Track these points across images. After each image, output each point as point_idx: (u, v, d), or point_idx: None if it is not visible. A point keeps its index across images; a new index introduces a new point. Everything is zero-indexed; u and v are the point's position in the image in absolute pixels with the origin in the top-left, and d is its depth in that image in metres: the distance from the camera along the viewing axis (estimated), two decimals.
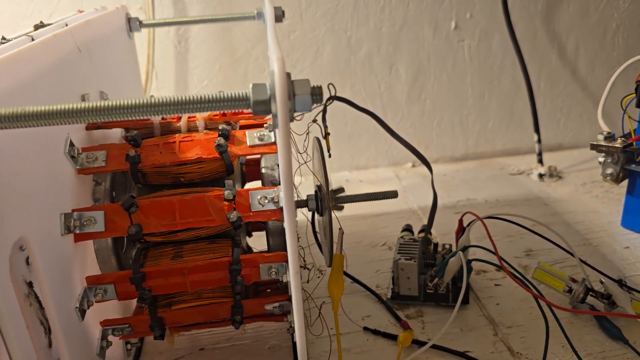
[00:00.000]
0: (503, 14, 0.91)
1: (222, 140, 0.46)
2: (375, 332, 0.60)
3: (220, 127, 0.47)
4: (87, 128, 0.50)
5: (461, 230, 0.65)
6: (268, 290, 0.55)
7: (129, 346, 0.55)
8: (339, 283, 0.46)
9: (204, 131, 0.50)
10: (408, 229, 0.73)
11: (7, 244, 0.34)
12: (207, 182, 0.49)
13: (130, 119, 0.31)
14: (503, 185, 0.93)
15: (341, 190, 0.55)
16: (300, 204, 0.56)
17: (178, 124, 0.50)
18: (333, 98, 0.64)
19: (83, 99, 0.50)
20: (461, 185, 0.94)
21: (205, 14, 0.89)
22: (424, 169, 1.02)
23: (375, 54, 0.96)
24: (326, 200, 0.50)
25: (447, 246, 0.70)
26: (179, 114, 0.30)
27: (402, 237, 0.68)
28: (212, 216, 0.45)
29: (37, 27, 0.53)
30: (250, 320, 0.51)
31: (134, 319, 0.48)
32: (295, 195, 0.63)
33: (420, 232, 0.72)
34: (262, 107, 0.30)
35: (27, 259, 0.38)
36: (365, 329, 0.61)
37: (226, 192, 0.45)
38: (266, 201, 0.45)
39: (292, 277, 0.33)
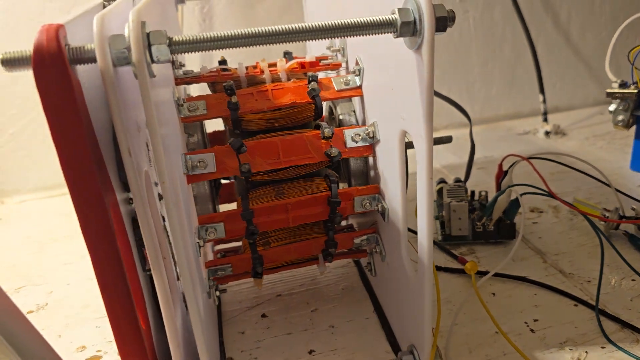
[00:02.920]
0: None
1: (315, 85, 0.50)
2: (438, 269, 0.65)
3: (309, 74, 0.51)
4: (177, 83, 0.53)
5: (502, 174, 0.71)
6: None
7: (217, 293, 0.58)
8: None
9: (293, 80, 0.53)
10: (443, 181, 0.79)
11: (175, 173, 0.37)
12: (297, 127, 0.52)
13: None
14: (514, 144, 1.00)
15: None
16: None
17: (262, 76, 0.54)
18: None
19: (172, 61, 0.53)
20: (476, 146, 1.00)
21: None
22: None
23: None
24: None
25: (483, 193, 0.76)
26: (331, 37, 0.34)
27: (448, 183, 0.74)
28: (311, 154, 0.49)
29: None
30: (338, 257, 0.55)
31: (236, 257, 0.52)
32: None
33: (456, 181, 0.77)
34: (407, 28, 0.35)
35: (159, 196, 0.41)
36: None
37: (326, 130, 0.49)
38: (360, 138, 0.50)
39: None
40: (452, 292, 0.60)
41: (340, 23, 0.35)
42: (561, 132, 1.01)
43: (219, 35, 0.34)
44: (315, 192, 0.50)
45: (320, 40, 0.36)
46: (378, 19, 0.35)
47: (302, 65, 0.55)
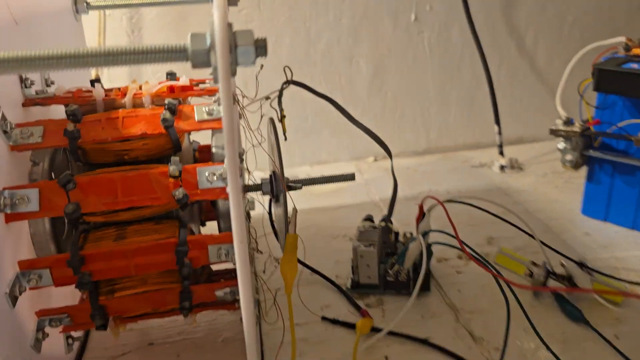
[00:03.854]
0: (462, 5, 0.91)
1: (167, 114, 0.43)
2: (334, 322, 0.58)
3: (166, 101, 0.44)
4: (24, 105, 0.47)
5: (421, 215, 0.64)
6: (222, 280, 0.52)
7: (70, 340, 0.51)
8: (292, 263, 0.44)
9: (150, 106, 0.47)
10: (369, 218, 0.72)
11: None
12: (153, 161, 0.46)
13: (61, 67, 0.28)
14: (465, 178, 0.92)
15: (299, 183, 0.53)
16: (253, 188, 0.53)
17: (123, 100, 0.48)
18: (290, 82, 0.62)
19: (21, 77, 0.47)
20: (423, 177, 0.93)
21: None
22: (386, 162, 1.01)
23: (335, 45, 0.95)
24: (280, 181, 0.48)
25: (408, 235, 0.69)
26: (109, 64, 0.27)
27: (363, 224, 0.67)
28: (156, 194, 0.42)
29: None
30: (200, 308, 0.48)
31: (73, 307, 0.45)
32: (248, 179, 0.61)
33: (381, 221, 0.70)
34: (202, 58, 0.28)
35: None
36: (324, 318, 0.58)
37: (171, 168, 0.42)
38: (214, 178, 0.43)
39: (236, 247, 0.31)
40: (343, 353, 0.53)
41: (127, 49, 0.28)
42: (518, 167, 0.94)
43: None
44: (161, 238, 0.43)
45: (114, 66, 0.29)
46: (169, 46, 0.28)
47: (172, 89, 0.48)
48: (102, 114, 0.45)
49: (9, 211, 0.40)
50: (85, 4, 0.66)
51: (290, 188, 0.51)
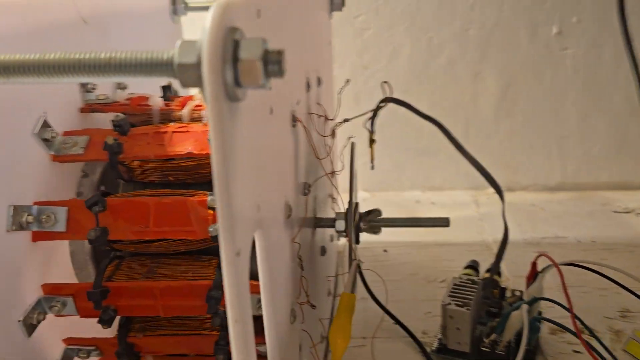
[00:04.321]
0: (618, 19, 0.75)
1: None
2: None
3: None
4: (82, 110, 0.43)
5: (533, 275, 0.52)
6: None
7: None
8: (344, 331, 0.35)
9: (207, 121, 0.41)
10: (473, 266, 0.60)
11: None
12: (202, 186, 0.40)
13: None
14: (603, 225, 0.76)
15: (376, 213, 0.44)
16: (326, 222, 0.46)
17: (180, 112, 0.42)
18: (387, 100, 0.53)
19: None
20: (551, 219, 0.79)
21: None
22: (510, 195, 0.87)
23: (459, 59, 0.83)
24: (354, 217, 0.40)
25: (517, 293, 0.56)
26: (80, 79, 0.21)
27: (461, 275, 0.56)
28: (192, 227, 0.36)
29: None
30: None
31: (103, 340, 0.40)
32: (332, 210, 0.53)
33: (487, 271, 0.58)
34: (191, 74, 0.20)
35: None
36: None
37: (210, 198, 0.35)
38: None
39: (230, 326, 0.23)
40: None
41: (89, 57, 0.22)
42: None
43: None
44: (194, 279, 0.37)
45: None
46: (151, 56, 0.21)
47: None
48: (151, 127, 0.40)
49: (35, 228, 0.36)
50: (184, 4, 0.63)
51: (364, 230, 0.43)
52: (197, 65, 0.20)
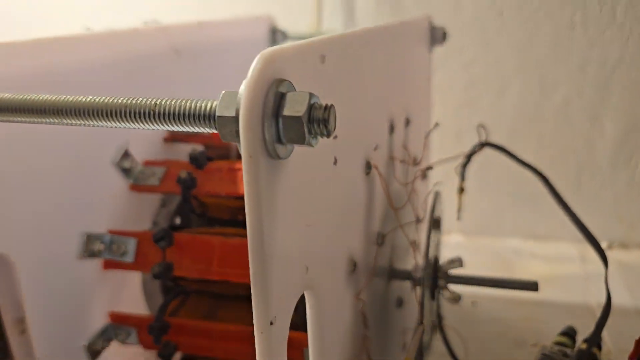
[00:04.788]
0: None
1: None
2: None
3: None
4: (166, 140, 0.44)
5: (637, 356, 0.45)
6: None
7: None
8: None
9: None
10: (569, 333, 0.53)
11: None
12: None
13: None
14: None
15: (457, 263, 0.40)
16: (401, 274, 0.43)
17: None
18: (483, 145, 0.50)
19: None
20: None
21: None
22: (625, 254, 0.78)
23: (575, 99, 0.76)
24: (426, 275, 0.37)
25: None
26: (101, 124, 0.21)
27: (552, 345, 0.49)
28: None
29: (146, 23, 0.50)
30: None
31: None
32: (414, 259, 0.50)
33: (584, 341, 0.52)
34: (229, 128, 0.19)
35: (12, 286, 0.32)
36: None
37: None
38: None
39: None
40: None
41: (123, 102, 0.21)
42: None
43: None
44: (252, 326, 0.35)
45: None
46: (194, 106, 0.20)
47: None
48: (226, 162, 0.40)
49: (106, 257, 0.37)
50: (282, 34, 0.64)
51: (442, 289, 0.39)
52: (236, 119, 0.19)
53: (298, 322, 0.36)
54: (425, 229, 0.46)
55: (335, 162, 0.27)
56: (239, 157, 0.41)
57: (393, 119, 0.41)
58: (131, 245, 0.37)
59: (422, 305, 0.36)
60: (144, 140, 0.42)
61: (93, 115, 0.20)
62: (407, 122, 0.47)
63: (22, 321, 0.33)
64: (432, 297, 0.40)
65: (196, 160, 0.39)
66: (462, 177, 0.48)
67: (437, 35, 0.59)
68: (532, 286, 0.40)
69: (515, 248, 0.81)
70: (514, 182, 0.82)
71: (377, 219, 0.37)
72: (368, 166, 0.34)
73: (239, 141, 0.19)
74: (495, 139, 0.50)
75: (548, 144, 0.79)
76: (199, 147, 0.40)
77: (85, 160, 0.36)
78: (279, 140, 0.18)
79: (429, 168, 0.43)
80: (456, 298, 0.39)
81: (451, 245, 0.82)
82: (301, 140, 0.18)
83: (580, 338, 0.52)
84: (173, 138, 0.44)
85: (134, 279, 0.42)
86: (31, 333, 0.33)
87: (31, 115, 0.22)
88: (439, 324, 0.46)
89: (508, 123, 0.80)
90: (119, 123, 0.20)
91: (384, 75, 0.37)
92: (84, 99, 0.21)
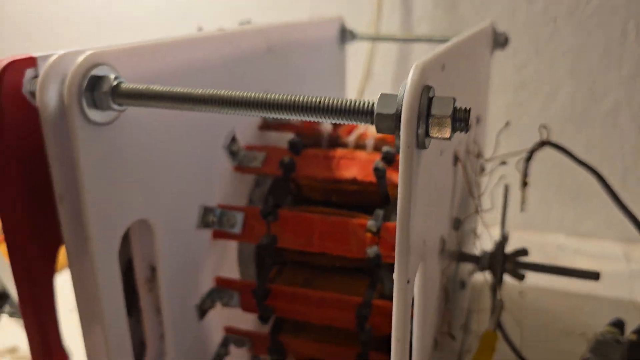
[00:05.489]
0: None
1: (380, 164, 0.40)
2: None
3: (384, 149, 0.41)
4: (261, 128, 0.49)
5: None
6: None
7: None
8: None
9: (371, 151, 0.45)
10: (617, 324, 0.57)
11: (120, 224, 0.33)
12: (360, 208, 0.43)
13: (247, 113, 0.27)
14: None
15: (522, 252, 0.44)
16: (470, 258, 0.47)
17: (347, 139, 0.46)
18: (544, 143, 0.54)
19: None
20: None
21: (432, 33, 0.83)
22: None
23: (624, 106, 0.80)
24: (499, 259, 0.41)
25: None
26: (291, 117, 0.25)
27: (604, 332, 0.53)
28: (350, 246, 0.39)
29: (242, 24, 0.55)
30: None
31: (256, 335, 0.45)
32: (476, 245, 0.54)
33: (633, 332, 0.55)
34: (387, 123, 0.24)
35: (154, 246, 0.37)
36: None
37: (369, 223, 0.39)
38: None
39: (393, 337, 0.26)
40: None
41: (308, 101, 0.26)
42: None
43: (171, 92, 0.29)
44: (350, 293, 0.40)
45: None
46: (355, 105, 0.25)
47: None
48: (322, 150, 0.44)
49: (217, 228, 0.42)
50: (351, 34, 0.68)
51: (508, 272, 0.44)
52: (394, 116, 0.23)
53: (386, 295, 0.40)
54: (480, 219, 0.50)
55: (441, 154, 0.32)
56: (328, 146, 0.46)
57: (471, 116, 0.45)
58: (239, 218, 0.42)
59: (496, 283, 0.40)
60: (244, 128, 0.47)
61: (271, 108, 0.25)
62: (478, 120, 0.51)
63: (151, 280, 0.39)
64: (500, 280, 0.45)
65: (295, 147, 0.44)
66: (525, 173, 0.52)
67: (499, 40, 0.63)
68: (594, 275, 0.44)
69: (559, 244, 0.85)
70: (561, 180, 0.85)
71: (456, 205, 0.42)
72: (455, 158, 0.39)
73: (394, 133, 0.23)
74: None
75: (595, 147, 0.82)
76: (295, 137, 0.44)
77: (205, 144, 0.41)
78: (427, 134, 0.23)
79: (503, 163, 0.47)
80: (520, 276, 0.44)
81: (498, 238, 0.86)
82: (446, 136, 0.23)
83: (628, 330, 0.56)
84: (267, 127, 0.49)
85: (232, 250, 0.47)
86: (158, 292, 0.38)
87: (191, 104, 0.28)
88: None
89: (557, 126, 0.83)
90: (292, 115, 0.25)
91: (470, 79, 0.42)
92: (263, 95, 0.26)
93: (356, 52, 0.72)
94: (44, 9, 1.09)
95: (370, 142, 0.45)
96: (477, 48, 0.50)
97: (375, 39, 0.71)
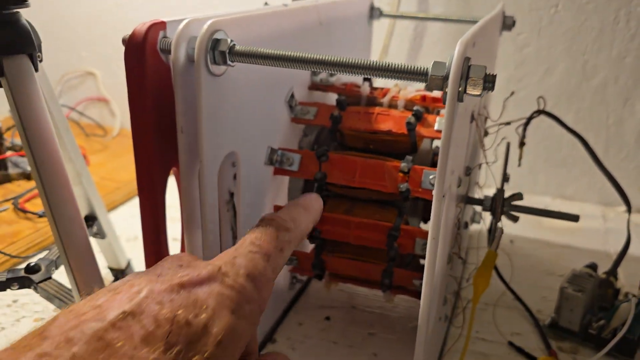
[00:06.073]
0: None
1: (412, 119, 0.51)
2: (519, 350, 0.59)
3: (415, 108, 0.52)
4: (310, 88, 0.59)
5: None
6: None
7: (294, 280, 0.63)
8: (485, 277, 0.48)
9: (402, 109, 0.55)
10: (592, 266, 0.69)
11: (221, 153, 0.43)
12: (392, 155, 0.54)
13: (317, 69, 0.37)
14: None
15: (518, 196, 0.55)
16: (476, 201, 0.58)
17: (382, 100, 0.56)
18: (540, 112, 0.64)
19: None
20: None
21: (446, 13, 0.93)
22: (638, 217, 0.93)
23: (611, 83, 0.90)
24: (499, 200, 0.52)
25: (631, 296, 0.65)
26: (362, 75, 0.36)
27: (581, 269, 0.65)
28: (385, 182, 0.50)
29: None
30: (398, 291, 0.55)
31: (302, 253, 0.56)
32: (477, 192, 0.65)
33: (604, 273, 0.67)
34: (437, 82, 0.34)
35: (235, 175, 0.47)
36: (510, 343, 0.60)
37: (403, 164, 0.49)
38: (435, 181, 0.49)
39: (428, 243, 0.37)
40: None
41: (374, 63, 0.36)
42: None
43: (274, 53, 0.39)
44: (380, 220, 0.51)
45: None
46: (413, 67, 0.35)
47: (424, 98, 0.55)
48: (363, 107, 0.55)
49: (277, 166, 0.53)
50: (379, 12, 0.78)
51: (505, 213, 0.55)
52: (444, 78, 0.34)
53: (409, 224, 0.51)
54: (487, 166, 0.61)
55: (465, 110, 0.42)
56: (367, 104, 0.56)
57: None
58: (297, 159, 0.52)
59: (497, 217, 0.51)
60: (298, 87, 0.57)
61: (347, 68, 0.36)
62: None
63: (229, 202, 0.49)
64: (499, 218, 0.56)
65: (341, 104, 0.54)
66: (524, 135, 0.63)
67: (507, 22, 0.73)
68: (574, 218, 0.55)
69: (545, 204, 0.97)
70: (548, 151, 0.97)
71: (468, 156, 0.53)
72: (472, 117, 0.49)
73: (442, 89, 0.34)
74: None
75: (583, 118, 0.93)
76: (341, 96, 0.55)
77: (274, 98, 0.51)
78: (465, 91, 0.34)
79: (507, 123, 0.58)
80: (515, 218, 0.55)
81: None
82: (478, 93, 0.33)
83: (600, 272, 0.68)
84: (316, 87, 0.59)
85: (284, 185, 0.58)
86: (236, 210, 0.49)
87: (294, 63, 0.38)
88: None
89: (550, 98, 0.94)
90: (370, 74, 0.36)
91: (488, 53, 0.52)
92: (346, 59, 0.36)
93: (376, 27, 0.81)
94: None
95: (401, 102, 0.55)
96: (492, 29, 0.60)
97: (398, 17, 0.80)
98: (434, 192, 0.36)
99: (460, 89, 0.33)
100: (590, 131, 0.93)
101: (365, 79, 0.61)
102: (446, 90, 0.34)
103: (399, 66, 0.35)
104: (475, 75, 0.33)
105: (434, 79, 0.34)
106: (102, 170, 1.01)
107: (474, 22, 0.75)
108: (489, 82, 0.34)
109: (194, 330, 0.28)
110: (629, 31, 0.87)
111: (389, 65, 0.35)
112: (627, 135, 0.92)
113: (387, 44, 0.97)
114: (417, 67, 0.35)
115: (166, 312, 0.28)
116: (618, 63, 0.89)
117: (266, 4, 0.57)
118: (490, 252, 0.49)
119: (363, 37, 0.77)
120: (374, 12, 0.77)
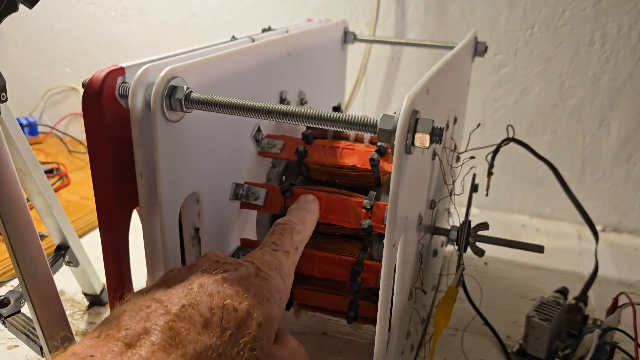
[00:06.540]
0: None
1: (375, 155, 0.51)
2: None
3: (379, 144, 0.52)
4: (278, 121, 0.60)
5: (612, 309, 0.61)
6: None
7: None
8: (446, 314, 0.48)
9: (367, 144, 0.55)
10: (562, 291, 0.70)
11: (181, 194, 0.44)
12: (357, 189, 0.54)
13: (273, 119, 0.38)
14: None
15: (484, 226, 0.56)
16: (441, 231, 0.59)
17: (348, 133, 0.57)
18: (510, 140, 0.65)
19: (281, 95, 0.60)
20: None
21: (421, 39, 0.94)
22: (615, 236, 0.94)
23: (587, 104, 0.91)
24: (463, 232, 0.53)
25: (598, 322, 0.66)
26: (317, 126, 0.36)
27: (549, 296, 0.66)
28: (349, 218, 0.51)
29: (264, 31, 0.65)
30: (364, 321, 0.56)
31: None
32: (449, 221, 0.66)
33: (574, 298, 0.68)
34: (385, 135, 0.35)
35: (199, 212, 0.48)
36: None
37: (365, 201, 0.50)
38: None
39: (381, 290, 0.38)
40: None
41: (329, 115, 0.37)
42: None
43: (228, 102, 0.39)
44: (344, 255, 0.52)
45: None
46: (362, 119, 0.36)
47: None
48: (329, 141, 0.55)
49: (243, 200, 0.53)
50: (353, 36, 0.78)
51: (471, 245, 0.55)
52: (391, 131, 0.34)
53: (373, 258, 0.52)
54: (451, 200, 0.62)
55: (422, 153, 0.43)
56: (333, 137, 0.57)
57: (449, 119, 0.56)
58: (262, 193, 0.53)
59: (460, 250, 0.52)
60: (265, 121, 0.57)
61: (300, 118, 0.36)
62: (455, 120, 0.63)
63: (195, 237, 0.50)
64: (465, 249, 0.56)
65: (307, 138, 0.55)
66: (492, 164, 0.64)
67: (480, 49, 0.74)
68: (539, 249, 0.56)
69: (522, 223, 0.97)
70: (525, 169, 0.97)
71: (432, 189, 0.53)
72: (434, 154, 0.50)
73: (390, 142, 0.34)
74: (518, 131, 0.65)
75: (559, 138, 0.94)
76: (308, 130, 0.55)
77: (237, 134, 0.52)
78: (413, 144, 0.34)
79: (472, 157, 0.58)
80: (480, 252, 0.55)
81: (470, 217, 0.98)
82: (425, 146, 0.34)
83: (570, 296, 0.69)
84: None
85: (252, 218, 0.58)
86: (200, 247, 0.49)
87: (246, 112, 0.38)
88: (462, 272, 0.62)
89: (527, 119, 0.95)
90: (318, 125, 0.36)
91: (450, 90, 0.53)
92: (300, 110, 0.37)
93: (354, 48, 0.82)
94: None
95: (367, 136, 0.56)
96: (461, 59, 0.61)
97: (373, 41, 0.81)
98: (384, 242, 0.37)
99: (407, 142, 0.34)
100: (567, 151, 0.94)
101: (335, 108, 0.61)
102: (394, 142, 0.34)
103: (350, 118, 0.36)
104: (423, 130, 0.34)
105: (382, 131, 0.35)
106: (83, 189, 1.01)
107: (448, 47, 0.76)
108: (436, 135, 0.34)
109: (240, 315, 0.34)
110: (604, 53, 0.88)
111: (339, 117, 0.36)
112: (604, 155, 0.93)
113: (364, 63, 0.97)
114: (367, 120, 0.36)
115: (217, 301, 0.33)
116: (594, 84, 0.90)
117: (234, 37, 0.57)
118: (451, 289, 0.49)
119: (337, 62, 0.78)
120: (348, 37, 0.78)
